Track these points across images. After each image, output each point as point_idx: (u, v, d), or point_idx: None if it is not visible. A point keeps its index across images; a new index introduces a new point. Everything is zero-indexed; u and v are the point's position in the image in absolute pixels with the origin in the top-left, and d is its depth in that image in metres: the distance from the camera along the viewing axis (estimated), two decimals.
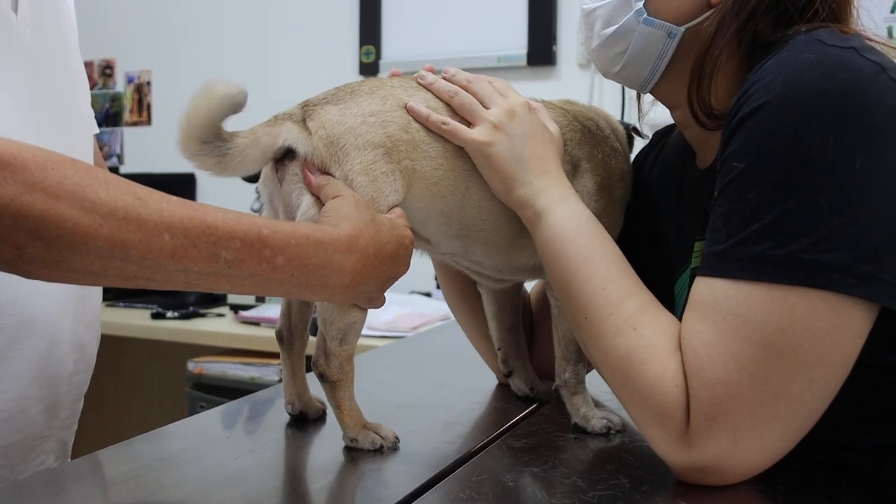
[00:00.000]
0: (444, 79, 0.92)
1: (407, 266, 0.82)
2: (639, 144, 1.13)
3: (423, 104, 0.87)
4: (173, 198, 0.67)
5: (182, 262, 0.65)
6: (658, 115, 1.04)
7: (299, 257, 0.71)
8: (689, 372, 0.73)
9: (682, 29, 0.85)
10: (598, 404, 0.95)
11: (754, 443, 0.71)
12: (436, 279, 2.61)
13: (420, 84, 0.90)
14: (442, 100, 0.89)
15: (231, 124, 0.79)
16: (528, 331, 1.12)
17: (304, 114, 0.83)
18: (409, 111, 0.86)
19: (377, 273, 0.77)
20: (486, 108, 0.90)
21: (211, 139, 0.76)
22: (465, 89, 0.91)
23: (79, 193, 0.61)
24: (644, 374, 0.75)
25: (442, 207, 0.88)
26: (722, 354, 0.71)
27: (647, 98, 1.04)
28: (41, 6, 0.94)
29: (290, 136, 0.81)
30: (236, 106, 0.76)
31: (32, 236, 0.59)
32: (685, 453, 0.72)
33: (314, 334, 0.86)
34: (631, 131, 1.07)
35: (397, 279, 0.81)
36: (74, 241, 0.61)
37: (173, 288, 0.68)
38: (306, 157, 0.81)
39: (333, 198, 0.79)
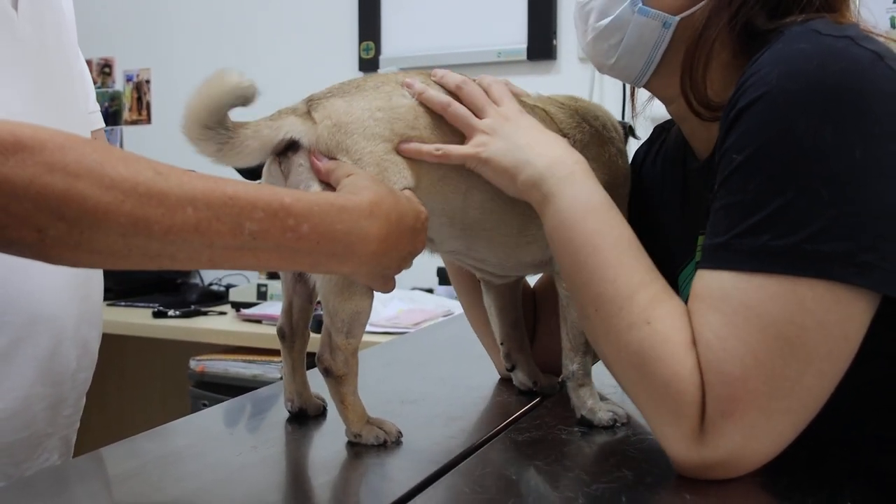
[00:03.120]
0: (435, 81, 0.90)
1: (423, 243, 0.81)
2: (636, 142, 1.13)
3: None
4: (193, 172, 0.66)
5: (206, 237, 0.64)
6: (656, 110, 1.04)
7: (324, 224, 0.70)
8: (705, 366, 0.71)
9: (677, 18, 0.85)
10: (602, 397, 0.94)
11: (765, 438, 0.70)
12: (437, 275, 2.63)
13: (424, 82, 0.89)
14: (434, 110, 0.88)
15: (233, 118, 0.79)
16: (530, 325, 1.12)
17: (308, 107, 0.84)
18: (403, 152, 0.84)
19: (399, 243, 0.76)
20: (480, 117, 0.89)
21: (214, 126, 0.76)
22: (456, 93, 0.90)
23: (98, 171, 0.60)
24: (660, 370, 0.72)
25: (444, 206, 0.88)
26: (737, 348, 0.69)
27: (643, 96, 1.04)
28: (41, 4, 0.94)
29: (292, 128, 0.81)
30: (244, 98, 0.76)
31: (54, 217, 0.59)
32: (696, 451, 0.71)
33: (316, 331, 0.86)
34: (628, 131, 1.06)
35: (415, 256, 0.81)
36: (97, 219, 0.60)
37: (197, 267, 0.67)
38: (312, 145, 0.81)
39: (347, 176, 0.78)
